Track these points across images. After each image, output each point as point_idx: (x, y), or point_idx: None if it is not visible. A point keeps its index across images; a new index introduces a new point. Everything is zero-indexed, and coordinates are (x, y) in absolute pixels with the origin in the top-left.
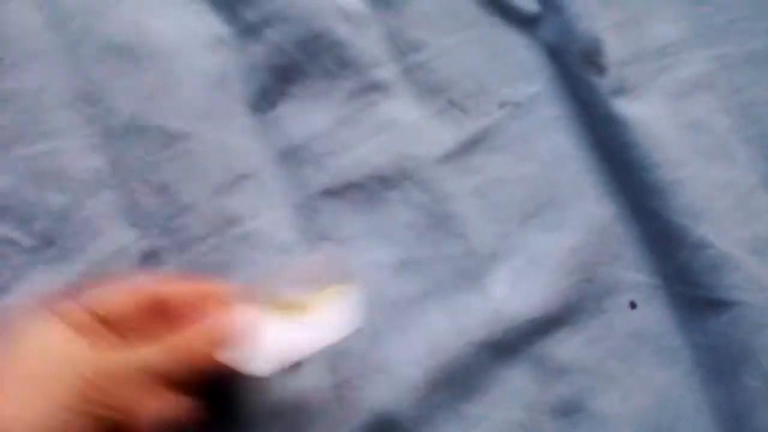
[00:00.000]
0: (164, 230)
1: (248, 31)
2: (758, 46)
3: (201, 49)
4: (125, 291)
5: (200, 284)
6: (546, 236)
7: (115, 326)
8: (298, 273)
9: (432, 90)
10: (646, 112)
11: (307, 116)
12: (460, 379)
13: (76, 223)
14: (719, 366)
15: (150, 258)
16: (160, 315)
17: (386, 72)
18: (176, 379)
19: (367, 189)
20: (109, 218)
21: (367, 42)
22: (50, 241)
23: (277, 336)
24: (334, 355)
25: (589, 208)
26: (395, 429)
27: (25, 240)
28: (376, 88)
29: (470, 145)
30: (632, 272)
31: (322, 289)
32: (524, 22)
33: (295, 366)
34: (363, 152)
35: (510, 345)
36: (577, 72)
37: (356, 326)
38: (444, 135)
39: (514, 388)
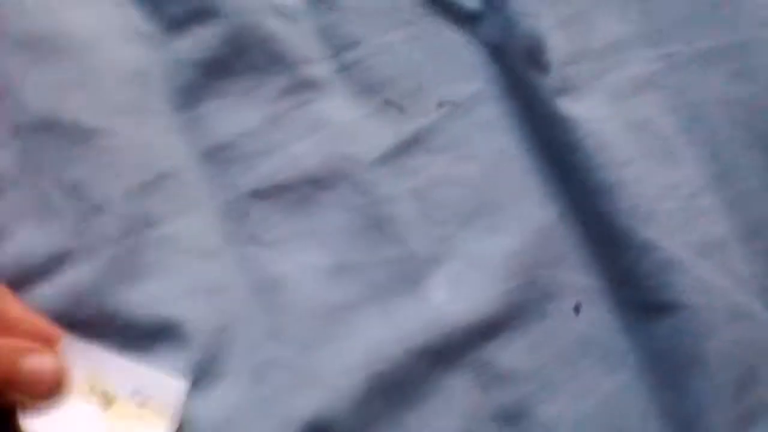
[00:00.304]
0: (75, 231)
1: (172, 26)
2: (706, 45)
3: (121, 43)
4: None
5: (42, 320)
6: (486, 239)
7: None
8: (132, 369)
9: (368, 89)
10: (590, 112)
11: (234, 114)
12: (399, 388)
13: None
14: (667, 370)
15: (60, 260)
16: None
17: (319, 69)
18: None
19: (299, 191)
20: (17, 219)
21: (299, 38)
22: None
23: (72, 414)
24: (262, 366)
25: (532, 210)
26: None
27: None
28: (308, 85)
29: (408, 146)
30: (576, 275)
31: (143, 402)
32: (464, 19)
33: None
34: (294, 152)
35: (450, 352)
36: (519, 71)
37: None
38: (380, 135)
39: (455, 396)
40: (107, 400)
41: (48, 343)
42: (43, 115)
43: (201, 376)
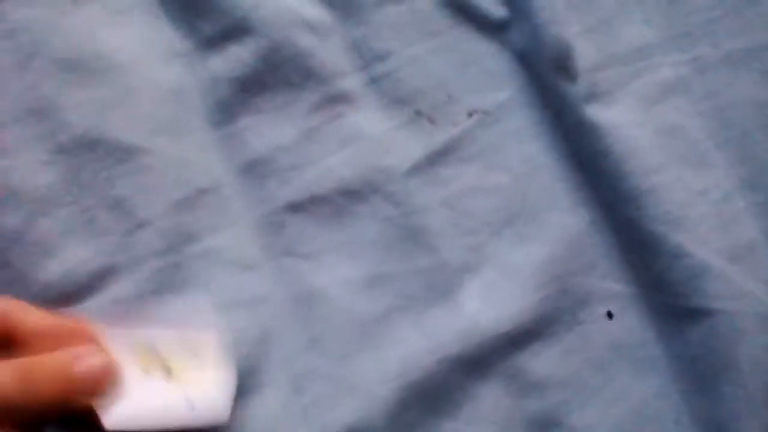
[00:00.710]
0: (120, 246)
1: (207, 44)
2: (735, 46)
3: (158, 63)
4: None
5: (61, 317)
6: (518, 247)
7: None
8: (177, 336)
9: (399, 100)
10: (619, 118)
11: (269, 129)
12: (433, 396)
13: (30, 242)
14: (700, 376)
15: (104, 276)
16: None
17: (351, 83)
18: (21, 414)
19: (334, 203)
20: (63, 236)
21: (330, 52)
22: (5, 264)
23: (142, 395)
24: (300, 376)
25: (563, 218)
26: None
27: None
28: (340, 99)
29: (439, 156)
30: (608, 282)
31: (199, 362)
32: (492, 28)
33: None
34: (329, 165)
35: (483, 360)
36: (547, 78)
37: (225, 415)
38: (412, 146)
39: (488, 404)
40: (166, 370)
41: (81, 339)
42: (85, 135)
43: (242, 387)
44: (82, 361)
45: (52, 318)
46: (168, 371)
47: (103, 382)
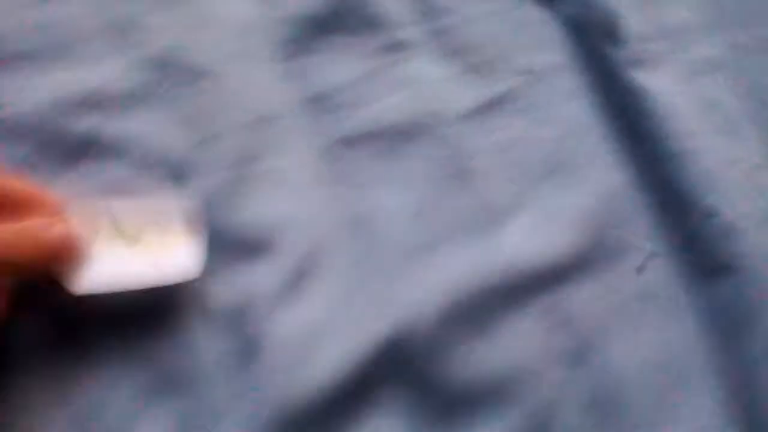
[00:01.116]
0: (186, 158)
1: None
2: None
3: None
4: None
5: (30, 185)
6: (559, 196)
7: None
8: (142, 206)
9: (454, 53)
10: (661, 85)
11: (332, 68)
12: (472, 320)
13: (105, 145)
14: (725, 329)
15: (173, 179)
16: None
17: (411, 33)
18: None
19: (387, 140)
20: (131, 141)
21: (393, 4)
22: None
23: (109, 260)
24: (346, 290)
25: (603, 174)
26: (405, 360)
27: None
28: (400, 47)
29: (489, 107)
30: (641, 236)
31: (164, 229)
32: None
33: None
34: (384, 106)
35: (520, 293)
36: (595, 44)
37: (195, 273)
38: (464, 95)
39: (523, 333)
40: (133, 239)
41: (51, 209)
42: (160, 55)
43: (289, 292)
44: (50, 229)
45: (22, 183)
46: (131, 238)
47: (67, 249)
